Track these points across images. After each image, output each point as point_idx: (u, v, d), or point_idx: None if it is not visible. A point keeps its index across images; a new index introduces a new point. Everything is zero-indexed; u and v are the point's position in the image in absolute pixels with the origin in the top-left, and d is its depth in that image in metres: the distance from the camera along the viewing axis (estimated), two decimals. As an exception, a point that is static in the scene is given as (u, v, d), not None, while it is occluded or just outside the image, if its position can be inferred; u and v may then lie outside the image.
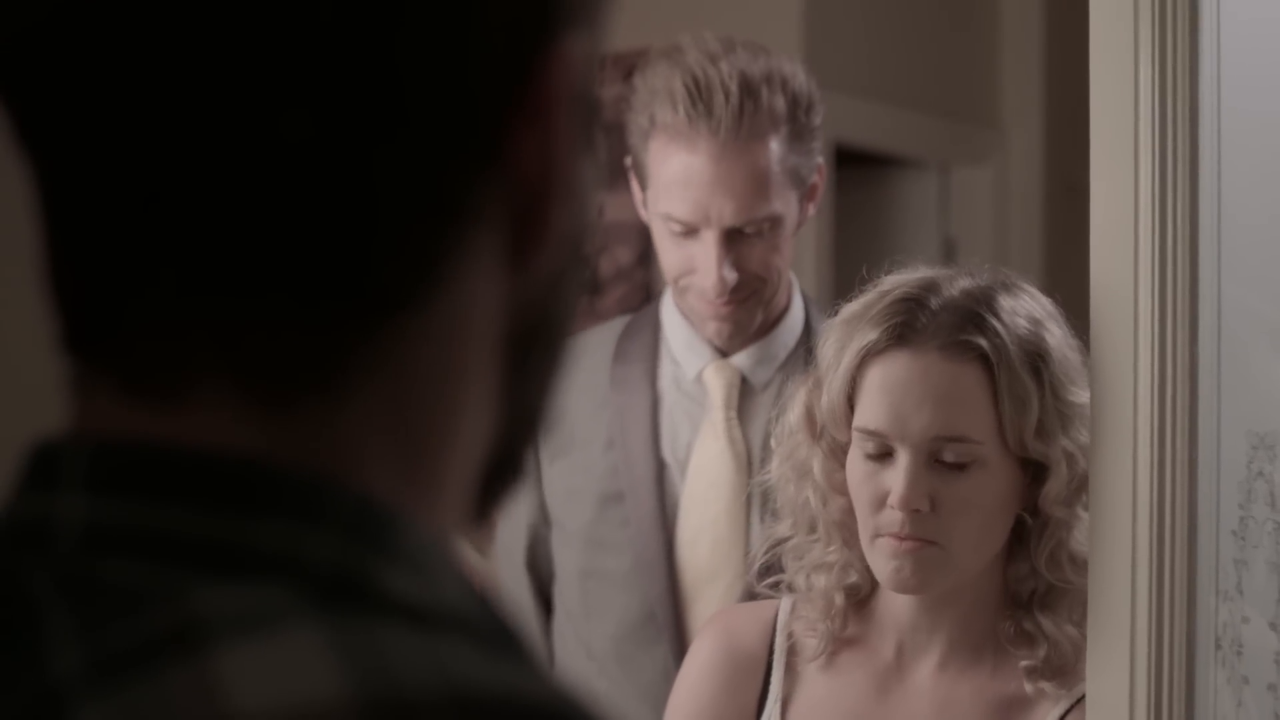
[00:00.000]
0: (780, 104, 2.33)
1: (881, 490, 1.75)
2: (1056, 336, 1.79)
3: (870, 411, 1.77)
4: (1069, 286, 1.99)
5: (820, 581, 1.85)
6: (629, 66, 4.48)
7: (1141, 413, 1.64)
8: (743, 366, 2.43)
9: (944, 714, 1.80)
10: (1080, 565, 1.76)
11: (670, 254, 2.39)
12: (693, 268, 2.36)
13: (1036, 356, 1.76)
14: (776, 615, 1.90)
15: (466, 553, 3.23)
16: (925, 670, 1.83)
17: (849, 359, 1.78)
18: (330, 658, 0.53)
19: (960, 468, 1.74)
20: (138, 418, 0.58)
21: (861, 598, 1.86)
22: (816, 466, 1.83)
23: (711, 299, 2.36)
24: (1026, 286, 1.84)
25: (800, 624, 1.87)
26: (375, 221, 0.57)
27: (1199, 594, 1.61)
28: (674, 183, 2.34)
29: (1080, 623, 1.75)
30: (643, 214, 2.49)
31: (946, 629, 1.82)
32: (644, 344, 2.50)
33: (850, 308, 1.83)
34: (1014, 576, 1.80)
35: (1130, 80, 1.65)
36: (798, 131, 2.35)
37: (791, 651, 1.87)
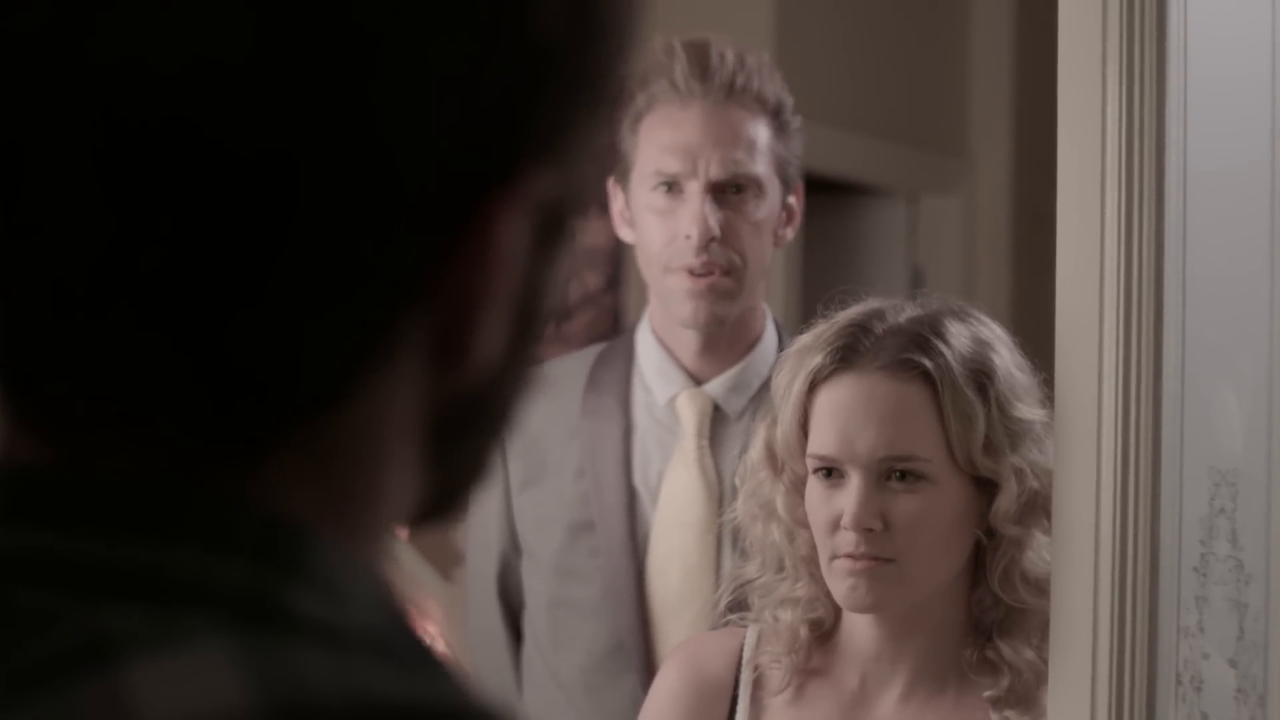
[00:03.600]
0: (770, 91, 2.40)
1: (835, 513, 1.78)
2: (1004, 357, 1.82)
3: (820, 437, 1.80)
4: (1036, 316, 2.00)
5: (786, 615, 1.86)
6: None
7: (1105, 448, 1.64)
8: (716, 394, 2.44)
9: None
10: (1034, 585, 1.78)
11: (654, 227, 2.40)
12: (676, 233, 2.37)
13: (981, 374, 1.79)
14: (742, 645, 1.91)
15: (424, 582, 3.22)
16: (889, 701, 1.84)
17: (798, 386, 1.81)
18: (236, 669, 0.54)
19: (910, 486, 1.77)
20: (48, 454, 0.59)
21: (825, 630, 1.87)
22: (780, 502, 1.85)
23: (695, 254, 2.36)
24: (979, 314, 1.87)
25: (765, 657, 1.88)
26: (302, 349, 0.58)
27: (1160, 630, 1.61)
28: (665, 142, 2.38)
29: (1040, 646, 1.77)
30: (619, 228, 2.49)
31: (910, 659, 1.83)
32: (617, 372, 2.50)
33: (802, 339, 1.87)
34: (977, 605, 1.82)
35: (1098, 115, 1.66)
36: (782, 126, 2.41)
37: (757, 684, 1.88)
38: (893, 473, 1.77)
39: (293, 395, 0.59)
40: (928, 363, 1.77)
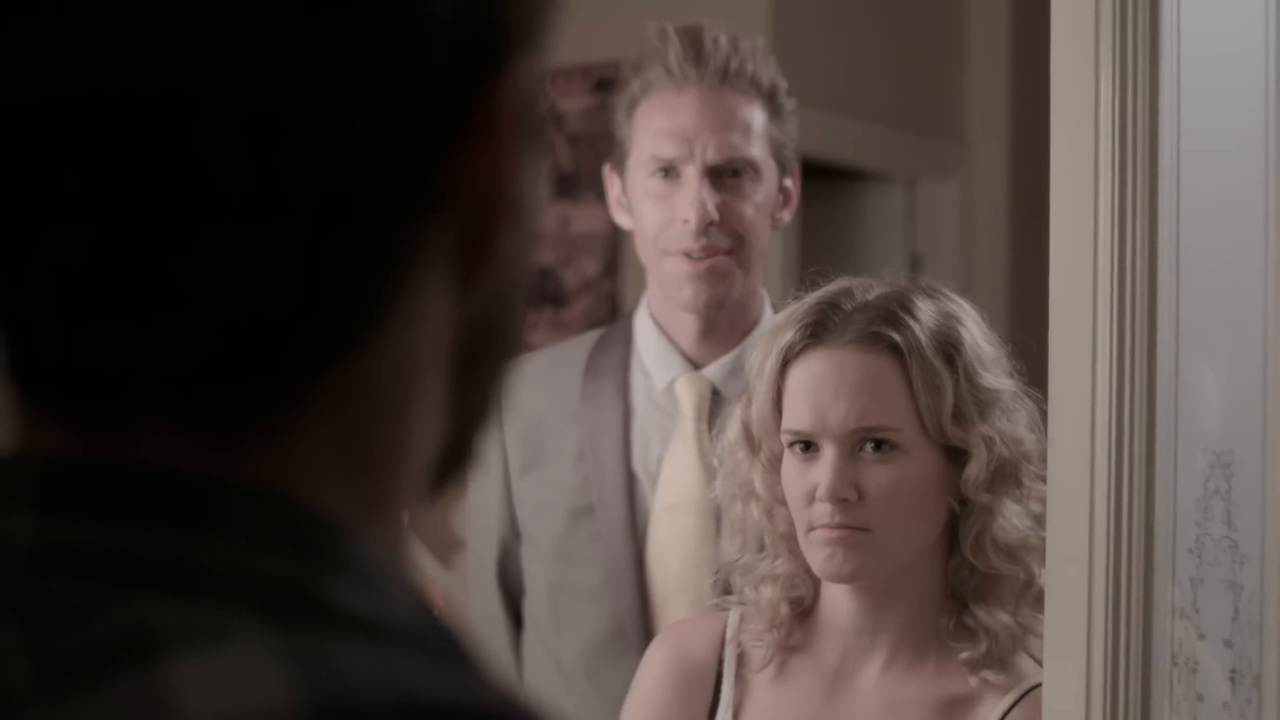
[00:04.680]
0: (764, 75, 2.41)
1: (811, 485, 1.81)
2: (970, 330, 1.85)
3: (794, 412, 1.84)
4: (1034, 300, 2.00)
5: (767, 592, 1.89)
6: (598, 78, 4.48)
7: (1099, 430, 1.65)
8: (714, 378, 2.44)
9: (891, 715, 1.84)
10: (1005, 551, 1.82)
11: (651, 212, 2.41)
12: (673, 217, 2.38)
13: (949, 345, 1.82)
14: (725, 627, 1.94)
15: (424, 568, 3.23)
16: (871, 673, 1.87)
17: (770, 364, 1.86)
18: (279, 666, 0.53)
19: (883, 457, 1.80)
20: (85, 443, 0.58)
21: (805, 608, 1.91)
22: (758, 480, 1.89)
23: (693, 238, 2.36)
24: (946, 292, 1.90)
25: (747, 635, 1.92)
26: (322, 274, 0.58)
27: (1155, 611, 1.62)
28: (661, 127, 2.38)
29: (1015, 611, 1.81)
30: (617, 214, 2.50)
31: (890, 630, 1.86)
32: (616, 357, 2.50)
33: (774, 320, 1.92)
34: (953, 574, 1.85)
35: (1090, 98, 1.66)
36: (777, 109, 2.42)
37: (741, 662, 1.92)
38: (865, 443, 1.80)
39: (324, 329, 0.58)
40: (896, 336, 1.81)
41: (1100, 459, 1.65)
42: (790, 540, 1.87)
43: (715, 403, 2.44)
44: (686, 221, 2.36)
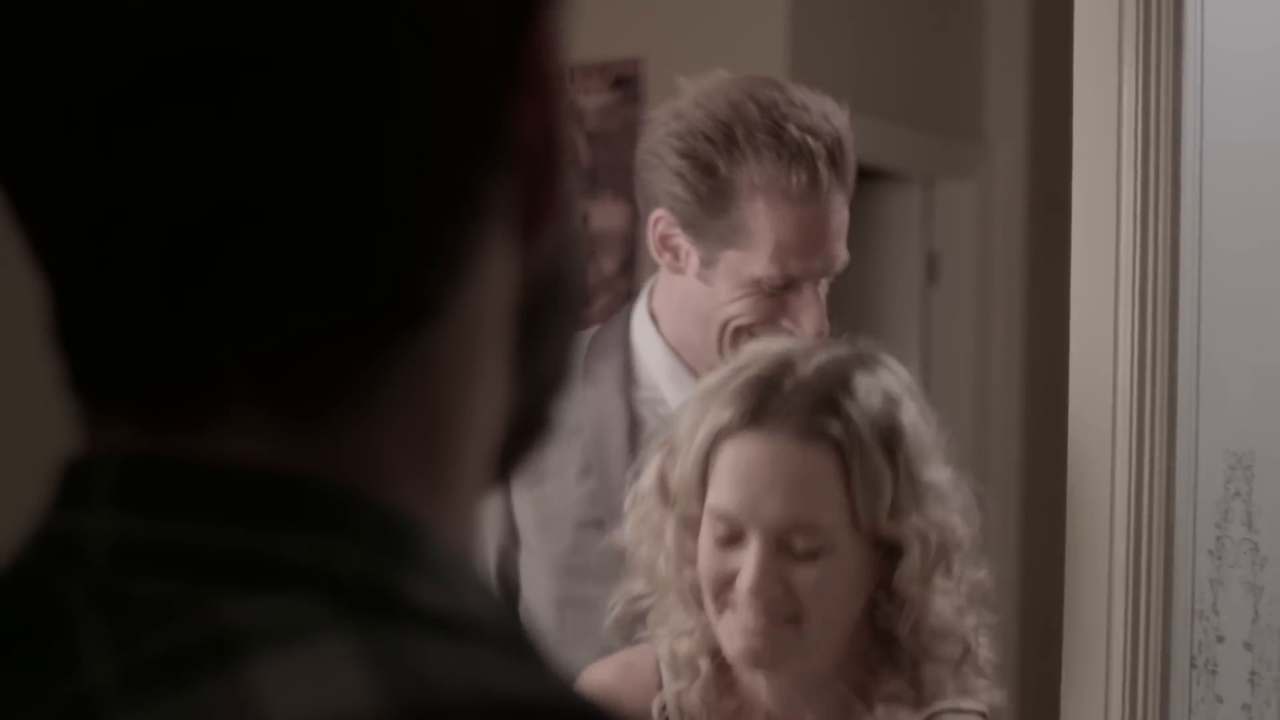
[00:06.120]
0: (853, 163, 2.40)
1: (730, 570, 1.75)
2: (911, 412, 1.78)
3: (723, 494, 1.76)
4: (1051, 300, 2.00)
5: (683, 647, 1.84)
6: (616, 75, 4.48)
7: (1120, 431, 1.64)
8: (730, 395, 2.43)
9: None
10: (942, 634, 1.78)
11: (749, 305, 2.37)
12: (775, 317, 2.34)
13: (890, 435, 1.75)
14: (659, 669, 1.89)
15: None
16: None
17: (702, 437, 1.78)
18: (362, 668, 0.53)
19: (811, 553, 1.74)
20: (160, 439, 0.58)
21: (724, 660, 1.84)
22: (670, 535, 1.82)
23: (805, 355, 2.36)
24: (886, 360, 1.83)
25: (674, 689, 1.86)
26: (396, 230, 0.57)
27: (1175, 613, 1.62)
28: (787, 243, 2.35)
29: (954, 676, 1.78)
30: (660, 253, 2.45)
31: (819, 699, 1.82)
32: (614, 364, 2.48)
33: (707, 381, 1.83)
34: (880, 637, 1.81)
35: (1113, 98, 1.66)
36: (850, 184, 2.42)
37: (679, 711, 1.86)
38: (795, 537, 1.74)
39: (403, 289, 0.58)
40: (837, 428, 1.73)
41: (1120, 460, 1.64)
42: (699, 594, 1.80)
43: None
44: (808, 325, 2.34)
